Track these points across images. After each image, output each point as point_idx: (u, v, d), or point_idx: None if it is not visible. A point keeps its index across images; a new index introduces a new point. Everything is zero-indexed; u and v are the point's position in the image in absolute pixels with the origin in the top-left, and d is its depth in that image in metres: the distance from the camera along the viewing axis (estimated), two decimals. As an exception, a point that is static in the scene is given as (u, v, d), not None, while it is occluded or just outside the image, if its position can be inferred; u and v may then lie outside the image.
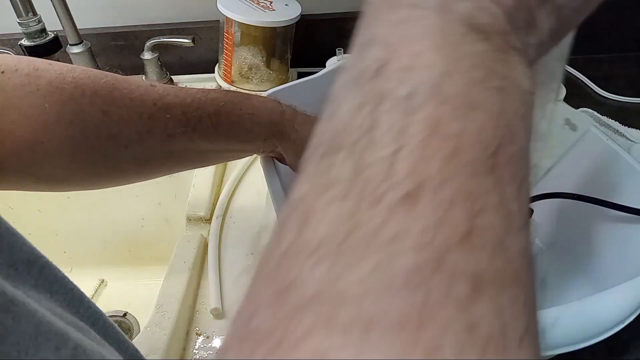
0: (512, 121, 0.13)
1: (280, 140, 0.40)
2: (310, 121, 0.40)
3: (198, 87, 0.40)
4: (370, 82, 0.13)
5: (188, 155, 0.40)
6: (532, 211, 0.43)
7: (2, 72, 0.33)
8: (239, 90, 0.67)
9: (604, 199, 0.43)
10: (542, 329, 0.12)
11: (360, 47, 0.15)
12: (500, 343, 0.10)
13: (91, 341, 0.22)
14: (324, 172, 0.13)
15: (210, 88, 0.40)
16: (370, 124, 0.13)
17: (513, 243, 0.12)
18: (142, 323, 0.60)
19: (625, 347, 0.41)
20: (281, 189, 0.40)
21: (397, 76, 0.13)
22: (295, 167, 0.40)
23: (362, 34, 0.15)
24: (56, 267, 0.24)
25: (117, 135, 0.36)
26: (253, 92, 0.43)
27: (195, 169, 0.59)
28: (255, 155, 0.63)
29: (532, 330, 0.11)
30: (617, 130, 0.62)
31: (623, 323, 0.32)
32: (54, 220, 0.70)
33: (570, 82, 0.70)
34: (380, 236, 0.11)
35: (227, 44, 0.68)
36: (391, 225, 0.11)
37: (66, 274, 0.24)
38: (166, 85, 0.38)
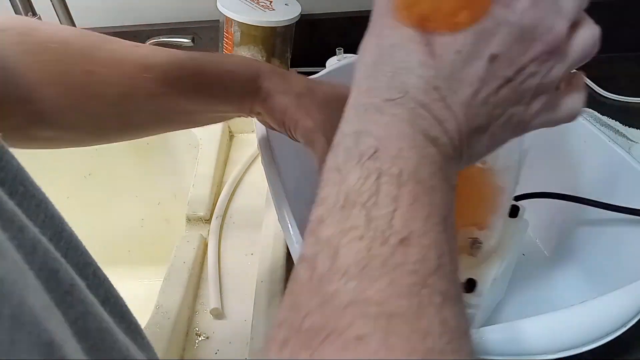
0: (449, 199, 0.21)
1: (255, 98, 0.39)
2: (289, 79, 0.39)
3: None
4: (369, 161, 0.20)
5: (172, 115, 0.40)
6: (518, 208, 0.43)
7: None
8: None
9: (603, 199, 0.43)
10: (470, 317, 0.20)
11: (356, 135, 0.21)
12: (456, 332, 0.18)
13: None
14: (345, 220, 0.19)
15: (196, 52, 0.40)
16: (376, 190, 0.19)
17: (456, 274, 0.20)
18: (142, 323, 0.60)
19: (625, 348, 0.41)
20: (282, 190, 0.40)
21: (390, 160, 0.20)
22: (278, 127, 0.39)
23: (355, 124, 0.22)
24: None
25: (101, 95, 0.36)
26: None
27: (196, 168, 0.59)
28: (255, 154, 0.63)
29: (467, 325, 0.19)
30: (618, 130, 0.62)
31: (625, 327, 0.32)
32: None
33: (570, 82, 0.70)
34: (388, 264, 0.18)
35: (227, 43, 0.68)
36: (395, 257, 0.18)
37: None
38: (151, 46, 0.39)
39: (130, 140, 0.42)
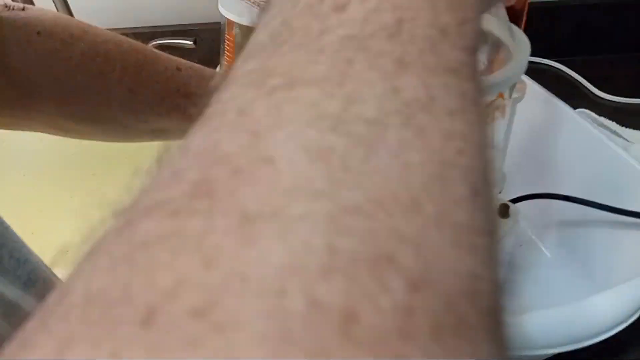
0: None
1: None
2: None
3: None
4: None
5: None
6: (508, 207, 0.43)
7: (38, 34, 0.34)
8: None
9: (604, 200, 0.43)
10: (490, 138, 0.12)
11: None
12: (427, 107, 0.11)
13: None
14: (268, 3, 0.14)
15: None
16: None
17: (448, 50, 0.12)
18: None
19: (622, 347, 0.42)
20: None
21: None
22: None
23: None
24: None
25: (139, 112, 0.38)
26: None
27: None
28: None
29: (470, 115, 0.11)
30: (615, 132, 0.62)
31: (625, 323, 0.33)
32: (55, 221, 0.70)
33: (567, 83, 0.71)
34: (309, 32, 0.12)
35: (228, 45, 0.69)
36: (320, 24, 0.12)
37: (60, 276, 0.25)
38: (190, 71, 0.40)
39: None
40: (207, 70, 0.41)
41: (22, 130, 0.40)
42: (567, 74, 0.71)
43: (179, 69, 0.39)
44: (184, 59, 0.42)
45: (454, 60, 0.12)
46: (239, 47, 0.68)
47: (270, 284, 0.08)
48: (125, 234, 0.09)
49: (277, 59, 0.12)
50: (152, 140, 0.43)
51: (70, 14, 0.65)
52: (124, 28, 0.76)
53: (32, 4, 0.63)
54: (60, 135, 0.41)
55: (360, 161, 0.10)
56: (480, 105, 0.12)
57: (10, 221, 0.28)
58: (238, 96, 0.11)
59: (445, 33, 0.12)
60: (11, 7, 0.35)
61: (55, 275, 0.29)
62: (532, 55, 0.32)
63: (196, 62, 0.43)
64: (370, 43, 0.11)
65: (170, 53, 0.71)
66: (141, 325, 0.08)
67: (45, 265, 0.29)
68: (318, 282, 0.08)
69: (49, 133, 0.41)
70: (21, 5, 0.36)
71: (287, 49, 0.12)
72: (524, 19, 0.52)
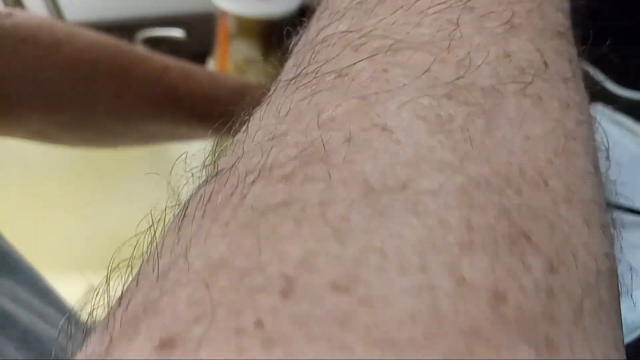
0: None
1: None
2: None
3: (214, 74, 0.41)
4: None
5: (193, 136, 0.42)
6: None
7: (23, 41, 0.33)
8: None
9: (620, 201, 0.41)
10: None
11: None
12: (541, 74, 0.10)
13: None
14: None
15: (227, 78, 0.41)
16: None
17: (552, 12, 0.12)
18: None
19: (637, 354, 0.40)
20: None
21: None
22: None
23: None
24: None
25: (126, 116, 0.37)
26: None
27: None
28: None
29: (579, 82, 0.11)
30: (631, 128, 0.59)
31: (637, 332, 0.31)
32: (43, 223, 0.68)
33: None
34: None
35: (221, 36, 0.66)
36: None
37: (55, 278, 0.27)
38: (179, 74, 0.39)
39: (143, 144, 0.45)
40: (198, 69, 0.40)
41: (3, 137, 0.40)
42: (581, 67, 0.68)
43: (167, 69, 0.38)
44: (174, 51, 0.40)
45: (559, 22, 0.12)
46: (233, 39, 0.66)
47: (411, 260, 0.08)
48: (232, 199, 0.09)
49: (373, 21, 0.11)
50: (140, 145, 0.43)
51: (56, 3, 0.63)
52: (111, 18, 0.74)
53: (21, 4, 0.61)
54: (47, 143, 0.41)
55: (482, 132, 0.09)
56: (583, 72, 0.12)
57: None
58: (334, 58, 0.10)
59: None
60: None
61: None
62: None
63: (187, 55, 0.41)
64: (475, 3, 0.11)
65: (159, 45, 0.69)
66: (281, 296, 0.08)
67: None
68: (461, 259, 0.08)
69: (34, 141, 0.40)
70: (8, 11, 0.36)
71: (381, 9, 0.11)
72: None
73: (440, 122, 0.09)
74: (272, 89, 0.11)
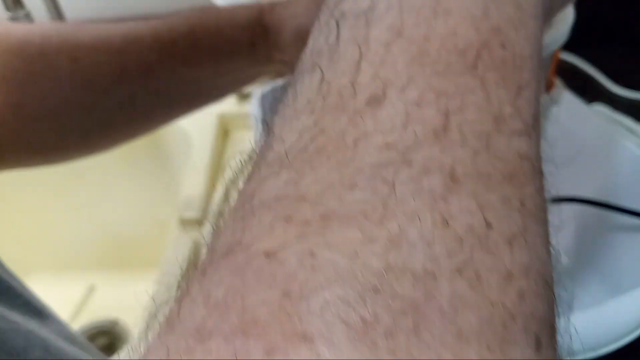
0: (502, 26, 0.12)
1: (266, 41, 0.35)
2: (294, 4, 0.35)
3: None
4: (336, 5, 0.13)
5: (178, 91, 0.37)
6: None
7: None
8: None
9: (620, 202, 0.42)
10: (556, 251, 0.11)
11: None
12: (482, 241, 0.10)
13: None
14: (294, 91, 0.13)
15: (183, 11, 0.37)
16: (335, 39, 0.12)
17: (504, 144, 0.11)
18: (133, 331, 0.59)
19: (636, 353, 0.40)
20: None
21: None
22: None
23: None
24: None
25: (91, 81, 0.34)
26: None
27: (188, 168, 0.57)
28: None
29: (531, 234, 0.10)
30: (631, 129, 0.60)
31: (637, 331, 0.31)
32: (41, 223, 0.68)
33: (582, 77, 0.68)
34: (344, 140, 0.11)
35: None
36: (356, 128, 0.11)
37: (54, 278, 0.26)
38: (137, 19, 0.37)
39: (141, 135, 0.39)
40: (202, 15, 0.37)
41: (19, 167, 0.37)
42: (581, 67, 0.68)
43: (121, 21, 0.36)
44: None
45: (511, 159, 0.11)
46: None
47: None
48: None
49: (309, 179, 0.10)
50: (131, 128, 0.39)
51: (56, 3, 0.63)
52: (110, 18, 0.74)
53: (21, 4, 0.62)
54: (26, 164, 0.38)
55: (409, 335, 0.09)
56: (542, 204, 0.11)
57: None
58: (263, 233, 0.10)
59: (500, 120, 0.11)
60: None
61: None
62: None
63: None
64: (414, 155, 0.10)
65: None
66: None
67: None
68: None
69: (14, 166, 0.37)
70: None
71: (318, 162, 0.11)
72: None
73: (364, 327, 0.09)
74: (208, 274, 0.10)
